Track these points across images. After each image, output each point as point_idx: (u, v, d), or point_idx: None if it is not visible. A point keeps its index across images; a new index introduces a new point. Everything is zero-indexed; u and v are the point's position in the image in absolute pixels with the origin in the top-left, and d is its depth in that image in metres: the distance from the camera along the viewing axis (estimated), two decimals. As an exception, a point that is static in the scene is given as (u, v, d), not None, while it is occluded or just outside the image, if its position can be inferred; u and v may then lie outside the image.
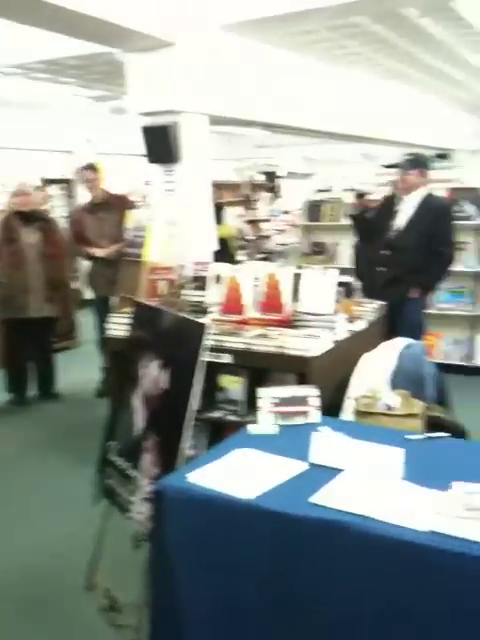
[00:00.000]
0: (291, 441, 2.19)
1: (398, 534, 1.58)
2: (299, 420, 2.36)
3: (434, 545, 1.54)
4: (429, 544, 1.54)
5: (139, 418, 2.65)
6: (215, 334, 3.18)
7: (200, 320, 2.64)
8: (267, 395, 2.38)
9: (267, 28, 5.13)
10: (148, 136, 4.93)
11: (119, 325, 3.47)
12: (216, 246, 5.26)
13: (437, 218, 4.32)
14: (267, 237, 11.49)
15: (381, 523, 1.62)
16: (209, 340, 2.61)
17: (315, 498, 1.77)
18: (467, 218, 5.74)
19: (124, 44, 4.78)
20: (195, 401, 2.30)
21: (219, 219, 9.27)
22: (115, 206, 5.26)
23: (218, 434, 3.17)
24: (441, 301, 5.72)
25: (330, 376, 3.12)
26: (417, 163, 4.39)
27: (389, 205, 4.46)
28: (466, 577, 1.52)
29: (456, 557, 1.51)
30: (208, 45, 5.00)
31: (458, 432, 2.73)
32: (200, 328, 2.35)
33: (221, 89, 5.23)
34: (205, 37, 4.95)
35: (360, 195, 4.59)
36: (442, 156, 12.57)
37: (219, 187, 11.28)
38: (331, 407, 2.85)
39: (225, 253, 8.15)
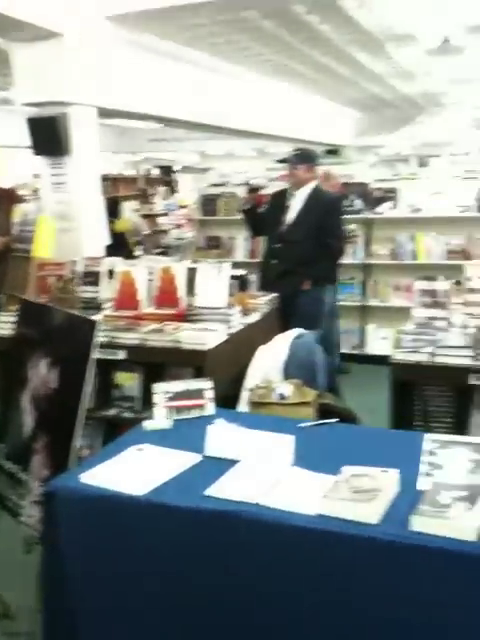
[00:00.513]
0: (187, 435, 2.19)
1: (288, 520, 1.62)
2: (195, 413, 2.36)
3: (322, 528, 1.58)
4: (317, 527, 1.58)
5: (29, 419, 2.57)
6: (108, 330, 3.13)
7: (91, 317, 2.59)
8: (161, 390, 2.36)
9: (155, 20, 5.09)
10: (34, 128, 4.78)
11: (5, 324, 3.34)
12: (109, 240, 5.18)
13: (326, 211, 4.46)
14: (164, 232, 11.42)
15: (272, 510, 1.65)
16: (100, 337, 2.57)
17: (210, 490, 1.77)
18: (356, 212, 5.93)
19: (9, 34, 4.61)
20: (86, 399, 2.25)
21: (115, 213, 9.12)
22: (1, 200, 5.05)
23: (115, 432, 3.12)
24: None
25: (226, 368, 3.14)
26: (305, 158, 4.51)
27: (281, 199, 4.55)
28: (354, 557, 1.57)
29: (343, 539, 1.56)
30: (97, 36, 4.91)
31: (349, 418, 2.83)
32: (90, 325, 2.30)
33: (111, 81, 5.14)
34: (94, 28, 4.85)
35: (252, 190, 4.65)
36: (332, 151, 12.94)
37: (114, 181, 11.09)
38: (228, 399, 2.88)
39: (122, 248, 8.03)
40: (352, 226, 5.45)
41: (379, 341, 5.77)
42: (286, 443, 1.88)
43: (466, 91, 11.16)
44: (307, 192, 4.47)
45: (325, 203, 4.52)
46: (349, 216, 5.79)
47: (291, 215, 4.46)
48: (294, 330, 3.29)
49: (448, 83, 10.25)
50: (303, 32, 6.53)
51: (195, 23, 5.70)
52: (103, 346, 2.98)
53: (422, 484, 1.75)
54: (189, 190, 11.97)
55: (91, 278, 3.64)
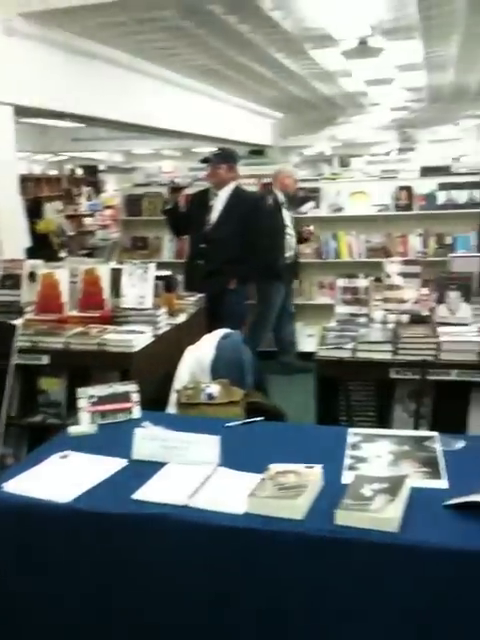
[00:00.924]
0: (113, 439, 2.16)
1: (215, 520, 1.62)
2: (121, 417, 2.33)
3: (249, 526, 1.59)
4: (244, 526, 1.60)
5: None
6: (31, 335, 3.05)
7: (11, 321, 2.52)
8: (86, 394, 2.32)
9: (71, 18, 4.99)
10: None
11: None
12: (30, 242, 5.06)
13: (248, 211, 4.50)
14: (90, 233, 11.23)
15: (199, 511, 1.65)
16: (22, 342, 2.50)
17: (137, 494, 1.76)
18: (281, 211, 5.99)
19: None
20: (6, 406, 2.19)
21: (38, 214, 8.90)
22: None
23: (42, 439, 3.04)
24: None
25: (154, 370, 3.12)
26: (226, 157, 4.55)
27: (202, 199, 4.57)
28: (281, 554, 1.59)
29: (270, 536, 1.58)
30: (10, 33, 4.77)
31: (277, 415, 2.86)
32: (9, 330, 2.24)
33: (27, 79, 5.01)
34: (7, 25, 4.71)
35: (174, 189, 4.64)
36: (257, 152, 13.04)
37: (37, 181, 10.82)
38: (157, 401, 2.86)
39: (46, 249, 7.85)
40: (311, 227, 5.52)
41: (306, 339, 5.86)
42: (212, 443, 1.89)
43: (384, 92, 11.46)
44: (229, 192, 4.51)
45: (248, 202, 4.58)
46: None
47: (214, 215, 4.49)
48: (221, 330, 3.30)
49: (367, 84, 10.50)
50: (222, 32, 6.54)
51: (113, 21, 5.62)
52: (26, 351, 2.91)
53: (346, 478, 1.79)
54: (115, 190, 11.82)
55: (11, 281, 3.55)
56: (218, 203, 4.50)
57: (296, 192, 5.76)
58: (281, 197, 5.37)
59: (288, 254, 5.35)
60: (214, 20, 6.08)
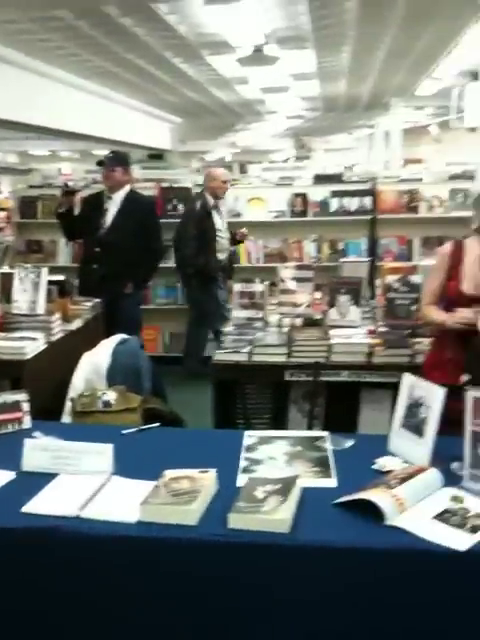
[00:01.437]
0: (2, 451, 2.07)
1: (108, 531, 1.59)
2: (11, 428, 2.25)
3: (142, 535, 1.57)
4: (137, 535, 1.58)
5: None
6: None
7: None
8: (-27, 405, 2.22)
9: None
10: None
11: None
12: None
13: (143, 214, 4.48)
14: (-18, 236, 10.76)
15: (91, 522, 1.62)
16: None
17: (27, 507, 1.70)
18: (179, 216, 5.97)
19: None
20: None
21: None
22: None
23: None
24: (158, 296, 5.91)
25: (48, 378, 3.04)
26: (120, 160, 4.50)
27: (97, 202, 4.49)
28: (176, 560, 1.58)
29: (164, 543, 1.57)
30: None
31: (175, 421, 2.85)
32: None
33: None
34: None
35: (68, 192, 4.53)
36: (156, 156, 12.98)
37: None
38: (52, 411, 2.78)
39: None
40: (244, 229, 5.52)
41: (207, 344, 5.87)
42: (105, 452, 1.85)
43: (280, 100, 11.71)
44: (123, 195, 4.46)
45: (143, 205, 4.56)
46: (172, 220, 5.84)
47: (109, 218, 4.42)
48: (117, 335, 3.25)
49: (263, 92, 10.69)
50: (117, 34, 6.48)
51: (4, 19, 5.44)
52: None
53: (240, 481, 1.81)
54: (9, 192, 11.38)
55: None
56: (112, 206, 4.45)
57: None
58: (211, 200, 5.34)
59: (222, 257, 5.35)
60: (109, 22, 6.02)
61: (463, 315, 2.29)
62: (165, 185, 6.26)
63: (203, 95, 10.95)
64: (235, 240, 5.53)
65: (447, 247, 2.48)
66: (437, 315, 2.45)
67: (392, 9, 6.03)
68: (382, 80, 10.22)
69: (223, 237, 5.39)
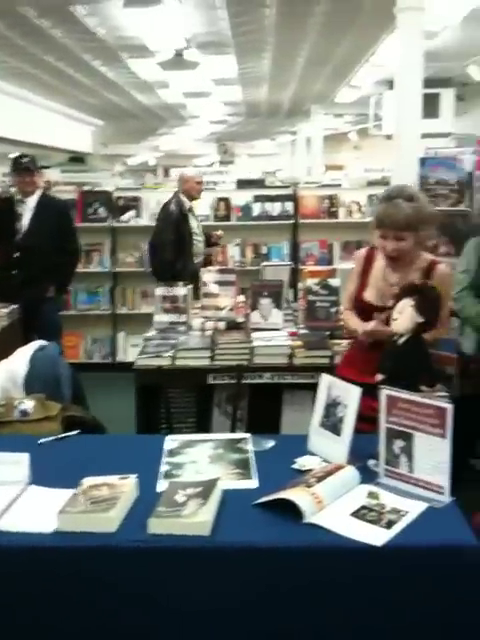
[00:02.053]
0: None
1: (24, 542, 1.55)
2: None
3: (60, 545, 1.54)
4: (55, 545, 1.54)
5: None
6: None
7: None
8: None
9: None
10: None
11: None
12: None
13: (59, 217, 4.40)
14: None
15: (6, 534, 1.57)
16: None
17: None
18: (102, 220, 5.90)
19: None
20: None
21: None
22: None
23: None
24: (80, 302, 5.80)
25: (-38, 388, 2.92)
26: (35, 164, 4.41)
27: (8, 208, 4.38)
28: (96, 568, 1.55)
29: (83, 551, 1.54)
30: None
31: (96, 428, 2.80)
32: None
33: None
34: None
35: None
36: (77, 159, 12.76)
37: None
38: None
39: None
40: (219, 231, 5.43)
41: (130, 349, 5.81)
42: (21, 462, 1.80)
43: (202, 105, 11.75)
44: (36, 198, 4.37)
45: (57, 208, 4.48)
46: (94, 224, 5.77)
47: (24, 222, 4.32)
48: (35, 342, 3.16)
49: (185, 96, 10.70)
50: (35, 36, 6.34)
51: None
52: None
53: (161, 486, 1.80)
54: None
55: None
56: (26, 211, 4.34)
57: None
58: (187, 203, 5.24)
59: (197, 260, 5.24)
60: (26, 23, 5.88)
61: (370, 329, 2.32)
62: (86, 188, 6.16)
63: (124, 98, 10.85)
64: (210, 242, 5.47)
65: (362, 252, 2.51)
66: (353, 323, 2.47)
67: (310, 17, 6.15)
68: (302, 87, 10.41)
69: (199, 240, 5.30)
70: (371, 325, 2.32)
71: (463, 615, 1.54)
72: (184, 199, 5.20)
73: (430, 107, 8.01)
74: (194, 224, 5.26)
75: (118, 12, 5.80)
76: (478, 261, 2.88)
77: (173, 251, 4.97)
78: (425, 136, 5.16)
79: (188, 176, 5.33)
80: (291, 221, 5.88)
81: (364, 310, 2.40)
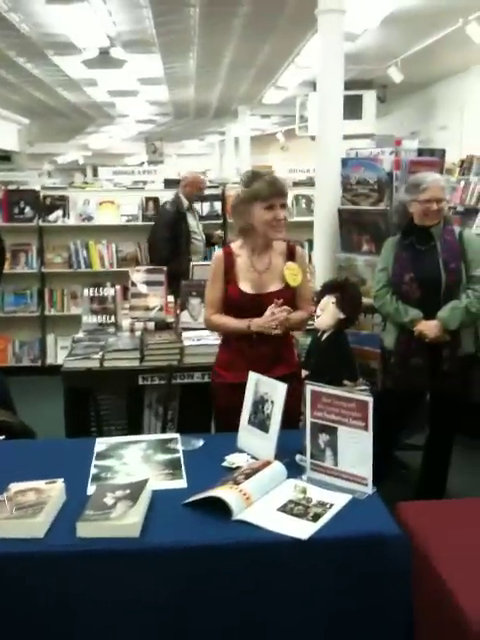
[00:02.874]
0: None
1: None
2: None
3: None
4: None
5: None
6: None
7: None
8: None
9: None
10: None
11: None
12: None
13: None
14: None
15: None
16: None
17: None
18: (29, 220, 5.77)
19: None
20: None
21: None
22: None
23: None
24: (7, 303, 5.66)
25: None
26: None
27: None
28: (26, 575, 1.53)
29: (8, 559, 1.52)
30: None
31: (25, 433, 2.75)
32: None
33: None
34: None
35: None
36: (3, 158, 12.42)
37: None
38: None
39: None
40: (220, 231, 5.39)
41: (60, 352, 5.70)
42: None
43: (130, 104, 11.64)
44: None
45: None
46: (20, 224, 5.64)
47: None
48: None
49: (111, 95, 10.57)
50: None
51: None
52: None
53: (90, 489, 1.79)
54: None
55: None
56: None
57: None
58: (185, 202, 5.19)
59: (196, 258, 5.18)
60: None
61: (262, 323, 2.33)
62: (12, 188, 6.01)
63: (51, 96, 10.63)
64: (211, 242, 5.47)
65: (219, 253, 2.52)
66: (232, 322, 2.43)
67: (233, 18, 6.19)
68: (229, 87, 10.45)
69: (198, 239, 5.30)
70: (269, 313, 2.33)
71: (387, 601, 1.60)
72: (183, 199, 5.25)
73: (353, 109, 8.20)
74: (193, 223, 5.30)
75: (41, 8, 5.68)
76: (395, 259, 2.97)
77: (168, 249, 4.97)
78: (348, 137, 5.28)
79: (191, 176, 5.40)
80: (220, 220, 5.91)
81: (240, 305, 2.40)
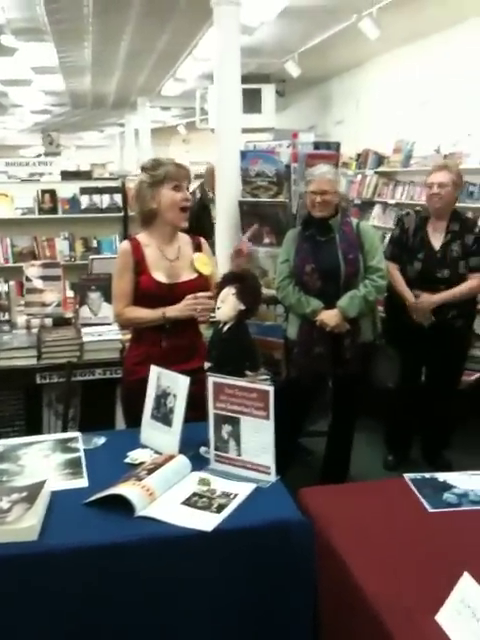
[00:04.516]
0: None
1: None
2: None
3: None
4: None
5: None
6: None
7: None
8: None
9: None
10: None
11: None
12: None
13: None
14: None
15: None
16: None
17: None
18: None
19: None
20: None
21: None
22: None
23: None
24: None
25: None
26: None
27: None
28: None
29: None
30: None
31: None
32: None
33: None
34: None
35: None
36: None
37: None
38: None
39: None
40: None
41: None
42: None
43: (24, 94, 11.22)
44: None
45: None
46: None
47: None
48: None
49: (3, 85, 10.16)
50: None
51: None
52: None
53: (-14, 494, 1.70)
54: None
55: None
56: None
57: None
58: (210, 194, 5.08)
59: None
60: None
61: (179, 308, 2.30)
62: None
63: None
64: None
65: (126, 245, 2.44)
66: (144, 314, 2.37)
67: (129, 7, 6.07)
68: (127, 78, 10.28)
69: None
70: (191, 299, 2.31)
71: (293, 584, 1.62)
72: (208, 190, 5.19)
73: (253, 102, 8.26)
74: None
75: None
76: (296, 251, 3.02)
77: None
78: (249, 131, 5.32)
79: (210, 168, 5.31)
80: (121, 214, 5.80)
81: (155, 296, 2.35)
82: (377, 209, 7.10)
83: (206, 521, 1.58)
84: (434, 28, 6.27)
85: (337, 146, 3.81)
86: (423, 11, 5.73)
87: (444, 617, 1.28)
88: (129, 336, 2.63)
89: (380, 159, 7.32)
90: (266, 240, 3.80)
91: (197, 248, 2.50)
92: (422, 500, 1.76)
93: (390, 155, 7.10)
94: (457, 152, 5.86)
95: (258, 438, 1.78)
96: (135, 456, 1.92)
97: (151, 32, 7.09)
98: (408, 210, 3.92)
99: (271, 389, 1.75)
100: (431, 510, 1.71)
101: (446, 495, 1.77)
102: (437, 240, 3.27)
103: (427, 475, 1.91)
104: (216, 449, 1.86)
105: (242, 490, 1.73)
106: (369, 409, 3.39)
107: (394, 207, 6.66)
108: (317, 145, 3.78)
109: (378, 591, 1.38)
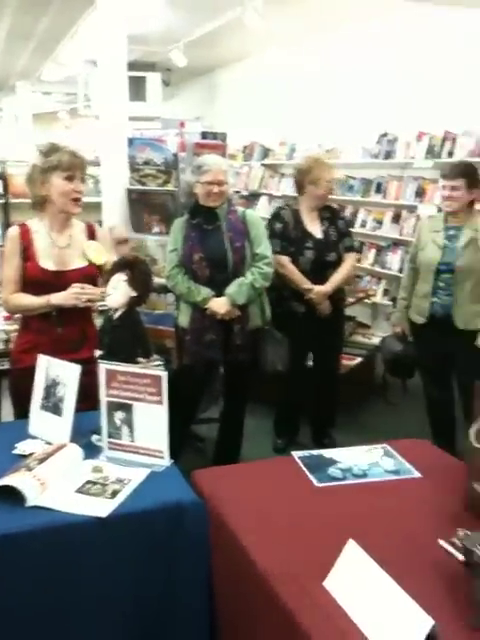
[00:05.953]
0: None
1: None
2: None
3: None
4: None
5: None
6: None
7: None
8: None
9: None
10: None
11: None
12: None
13: None
14: None
15: None
16: None
17: None
18: None
19: None
20: None
21: None
22: None
23: None
24: None
25: None
26: None
27: None
28: None
29: None
30: None
31: None
32: None
33: None
34: None
35: None
36: None
37: None
38: None
39: None
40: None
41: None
42: None
43: None
44: None
45: None
46: None
47: None
48: None
49: None
50: None
51: None
52: None
53: None
54: None
55: None
56: None
57: None
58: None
59: None
60: None
61: (66, 294, 2.25)
62: None
63: None
64: None
65: (14, 230, 2.40)
66: (32, 301, 2.31)
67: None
68: (5, 61, 9.83)
69: None
70: (78, 287, 2.27)
71: (188, 563, 1.66)
72: None
73: (138, 90, 8.16)
74: None
75: None
76: (185, 239, 3.03)
77: None
78: (134, 119, 5.23)
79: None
80: (1, 201, 5.57)
81: (41, 283, 2.31)
82: (263, 200, 7.26)
83: (101, 507, 1.58)
84: (318, 27, 6.43)
85: (224, 137, 3.85)
86: (307, 9, 5.87)
87: (332, 582, 1.36)
88: (15, 326, 2.55)
89: (266, 151, 7.48)
90: (155, 229, 3.79)
91: (91, 236, 2.46)
92: (309, 476, 1.84)
93: (275, 148, 7.27)
94: (336, 147, 6.10)
95: (151, 423, 1.80)
96: (24, 447, 1.88)
97: (31, 14, 6.82)
98: (284, 205, 4.04)
99: (165, 374, 1.77)
100: (318, 484, 1.80)
101: (331, 470, 1.87)
102: (316, 228, 3.45)
103: (314, 452, 2.01)
104: (109, 436, 1.86)
105: (136, 475, 1.74)
106: (258, 395, 3.49)
107: (280, 199, 6.83)
108: (204, 135, 3.80)
109: (270, 563, 1.44)
